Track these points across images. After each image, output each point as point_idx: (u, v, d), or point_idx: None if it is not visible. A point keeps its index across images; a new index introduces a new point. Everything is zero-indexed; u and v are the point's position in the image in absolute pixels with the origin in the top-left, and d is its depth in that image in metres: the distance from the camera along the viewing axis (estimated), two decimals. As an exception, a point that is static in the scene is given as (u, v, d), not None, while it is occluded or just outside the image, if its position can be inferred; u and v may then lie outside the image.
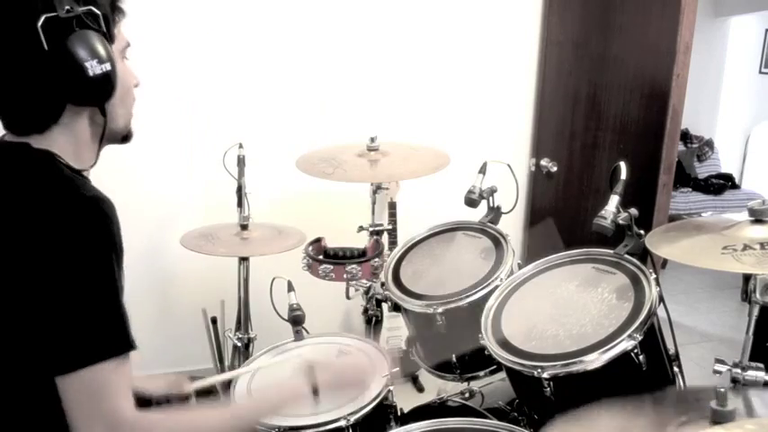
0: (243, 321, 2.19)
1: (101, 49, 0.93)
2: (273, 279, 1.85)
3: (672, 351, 1.42)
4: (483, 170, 1.88)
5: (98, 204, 0.91)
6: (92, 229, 0.89)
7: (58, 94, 0.94)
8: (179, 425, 0.97)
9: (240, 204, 2.18)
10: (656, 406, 1.09)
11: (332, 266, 1.94)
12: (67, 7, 0.90)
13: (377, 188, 2.36)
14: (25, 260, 0.87)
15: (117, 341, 0.90)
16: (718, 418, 0.92)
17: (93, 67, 0.91)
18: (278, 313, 1.78)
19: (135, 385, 1.37)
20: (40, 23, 0.88)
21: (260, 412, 1.16)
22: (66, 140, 0.98)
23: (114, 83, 0.96)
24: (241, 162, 2.19)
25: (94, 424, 0.87)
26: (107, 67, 0.93)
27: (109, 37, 0.97)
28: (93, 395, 0.87)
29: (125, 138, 1.09)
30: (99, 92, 0.95)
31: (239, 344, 2.14)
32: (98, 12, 0.94)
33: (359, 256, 2.03)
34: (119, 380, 0.89)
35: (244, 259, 2.12)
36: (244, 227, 2.09)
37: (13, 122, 0.97)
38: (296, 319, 1.61)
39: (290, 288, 1.69)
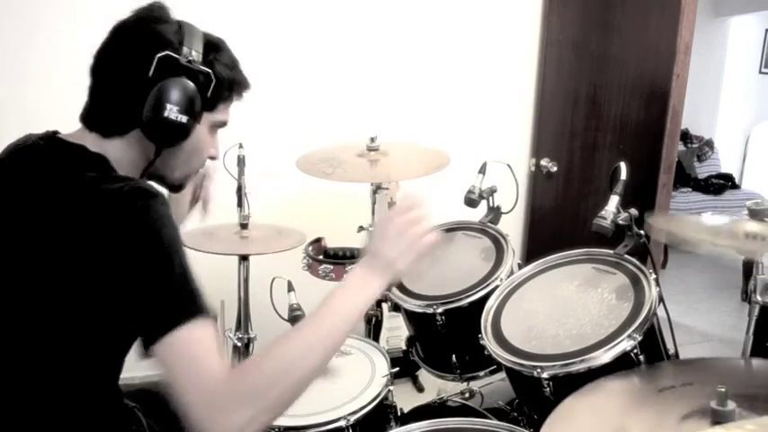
0: (243, 321, 2.19)
1: (189, 103, 1.00)
2: (273, 279, 1.85)
3: (672, 351, 1.42)
4: (483, 170, 1.88)
5: (158, 195, 0.95)
6: (155, 213, 0.93)
7: (135, 115, 1.00)
8: (273, 357, 0.94)
9: (240, 204, 2.18)
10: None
11: (332, 266, 1.94)
12: (191, 59, 1.01)
13: (377, 188, 2.36)
14: (98, 248, 0.90)
15: (198, 305, 0.93)
16: (719, 418, 0.92)
17: (171, 112, 0.99)
18: (278, 313, 1.78)
19: None
20: (159, 55, 0.98)
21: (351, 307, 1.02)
22: (119, 153, 1.04)
23: (182, 136, 1.03)
24: (241, 162, 2.19)
25: (192, 384, 0.88)
26: (183, 119, 1.00)
27: (208, 103, 1.05)
28: (185, 356, 0.89)
29: (174, 188, 1.15)
30: (163, 134, 1.01)
31: (239, 344, 2.14)
32: (213, 78, 1.03)
33: (359, 256, 2.03)
34: (207, 341, 0.91)
35: (244, 259, 2.12)
36: (244, 225, 2.09)
37: (91, 114, 1.04)
38: (296, 319, 1.61)
39: (290, 288, 1.69)
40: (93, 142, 1.02)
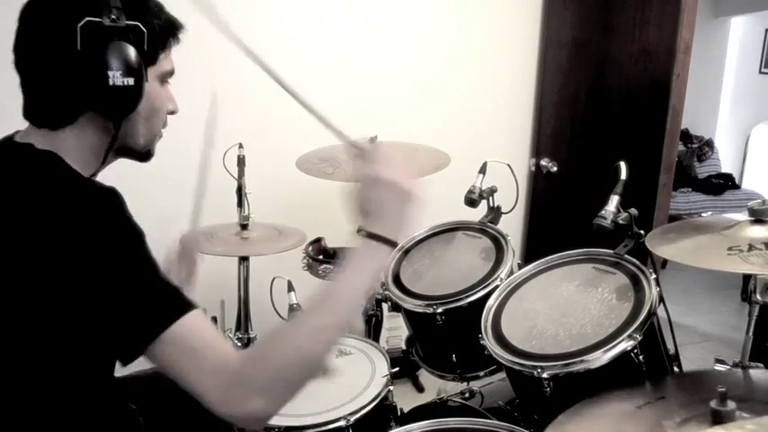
0: (243, 321, 2.19)
1: (129, 63, 0.93)
2: (273, 279, 1.85)
3: (672, 351, 1.41)
4: (483, 170, 1.88)
5: (112, 192, 0.93)
6: (114, 213, 0.91)
7: (78, 97, 0.95)
8: (291, 329, 0.93)
9: (240, 204, 2.18)
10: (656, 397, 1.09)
11: (332, 266, 1.94)
12: (113, 17, 0.92)
13: (377, 188, 2.36)
14: (58, 265, 0.87)
15: (184, 297, 0.90)
16: (719, 418, 0.92)
17: (116, 78, 0.92)
18: (278, 313, 1.78)
19: None
20: (80, 24, 0.90)
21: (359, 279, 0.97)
22: (74, 143, 0.98)
23: (135, 99, 0.97)
24: (241, 162, 2.19)
25: (203, 374, 0.86)
26: (130, 81, 0.94)
27: (148, 56, 0.98)
28: (189, 349, 0.87)
29: (143, 156, 1.10)
30: (116, 104, 0.95)
31: (239, 344, 2.14)
32: (144, 30, 0.95)
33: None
34: (208, 326, 0.90)
35: (244, 259, 2.12)
36: (244, 226, 2.09)
37: (31, 110, 0.99)
38: (296, 319, 1.61)
39: (290, 288, 1.69)
40: (42, 139, 0.97)
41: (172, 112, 1.11)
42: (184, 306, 0.89)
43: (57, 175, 0.94)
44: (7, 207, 0.91)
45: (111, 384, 1.08)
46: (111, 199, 0.92)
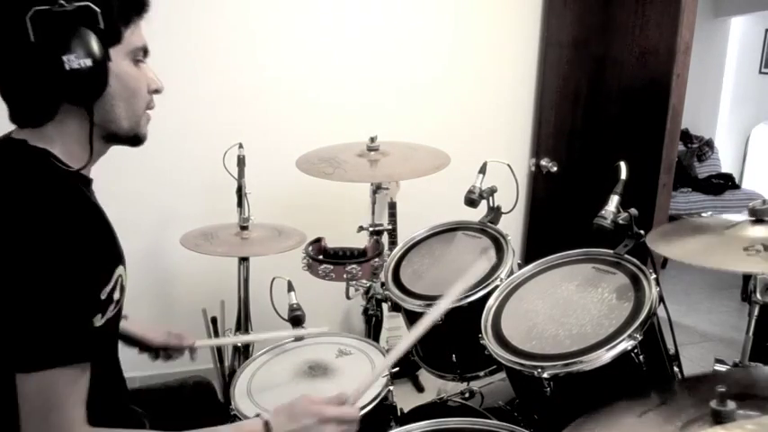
0: (243, 321, 2.19)
1: (83, 44, 0.90)
2: (273, 279, 1.85)
3: (672, 351, 1.42)
4: (483, 170, 1.88)
5: (84, 209, 0.92)
6: (74, 233, 0.89)
7: (46, 90, 0.93)
8: None
9: (240, 204, 2.18)
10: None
11: (332, 266, 1.94)
12: (62, 1, 0.89)
13: (377, 188, 2.36)
14: (7, 255, 0.87)
15: (76, 350, 0.89)
16: (719, 418, 0.92)
17: (71, 62, 0.90)
18: (278, 313, 1.78)
19: (136, 332, 1.40)
20: (29, 15, 0.88)
21: None
22: (59, 137, 0.98)
23: (100, 80, 0.94)
24: (241, 162, 2.19)
25: (38, 429, 0.87)
26: (87, 62, 0.91)
27: (109, 35, 0.95)
28: (45, 402, 0.87)
29: (133, 140, 1.07)
30: (79, 87, 0.93)
31: (239, 344, 2.14)
32: (96, 9, 0.92)
33: (359, 256, 2.03)
34: (72, 391, 0.89)
35: (244, 259, 2.12)
36: (244, 227, 2.09)
37: (13, 113, 0.98)
38: (296, 319, 1.61)
39: (290, 288, 1.69)
40: (33, 135, 0.97)
41: (156, 91, 1.08)
42: (72, 357, 0.88)
43: (37, 178, 0.94)
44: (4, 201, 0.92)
45: (110, 382, 1.08)
46: (84, 216, 0.91)
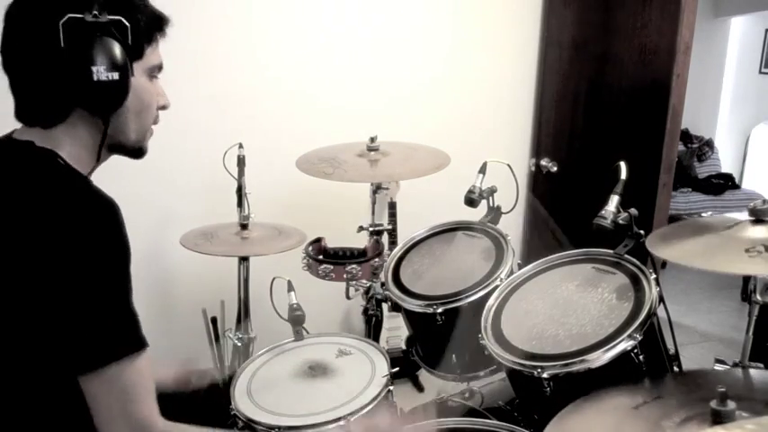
0: (243, 321, 2.19)
1: (113, 58, 0.93)
2: (273, 279, 1.85)
3: (672, 351, 1.42)
4: (483, 170, 1.88)
5: (105, 204, 0.92)
6: (106, 226, 0.90)
7: (66, 94, 0.95)
8: None
9: (240, 204, 2.18)
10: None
11: (332, 266, 1.94)
12: (95, 12, 0.92)
13: (377, 188, 2.36)
14: (37, 260, 0.88)
15: (131, 340, 0.90)
16: (719, 418, 0.92)
17: (100, 74, 0.92)
18: (278, 313, 1.78)
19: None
20: (62, 21, 0.90)
21: None
22: (68, 141, 0.99)
23: (122, 94, 0.97)
24: (241, 162, 2.19)
25: (120, 425, 0.87)
26: (114, 76, 0.94)
27: (134, 51, 0.98)
28: (120, 395, 0.87)
29: (136, 152, 1.09)
30: (102, 99, 0.95)
31: (239, 344, 2.14)
32: (127, 24, 0.95)
33: (359, 255, 2.03)
34: (143, 379, 0.90)
35: (244, 259, 2.12)
36: (244, 226, 2.09)
37: (22, 110, 0.99)
38: (296, 319, 1.61)
39: (290, 288, 1.69)
40: (39, 136, 0.98)
41: (163, 107, 1.11)
42: (133, 345, 0.89)
43: (57, 174, 0.95)
44: (7, 203, 0.92)
45: None
46: (108, 210, 0.92)
